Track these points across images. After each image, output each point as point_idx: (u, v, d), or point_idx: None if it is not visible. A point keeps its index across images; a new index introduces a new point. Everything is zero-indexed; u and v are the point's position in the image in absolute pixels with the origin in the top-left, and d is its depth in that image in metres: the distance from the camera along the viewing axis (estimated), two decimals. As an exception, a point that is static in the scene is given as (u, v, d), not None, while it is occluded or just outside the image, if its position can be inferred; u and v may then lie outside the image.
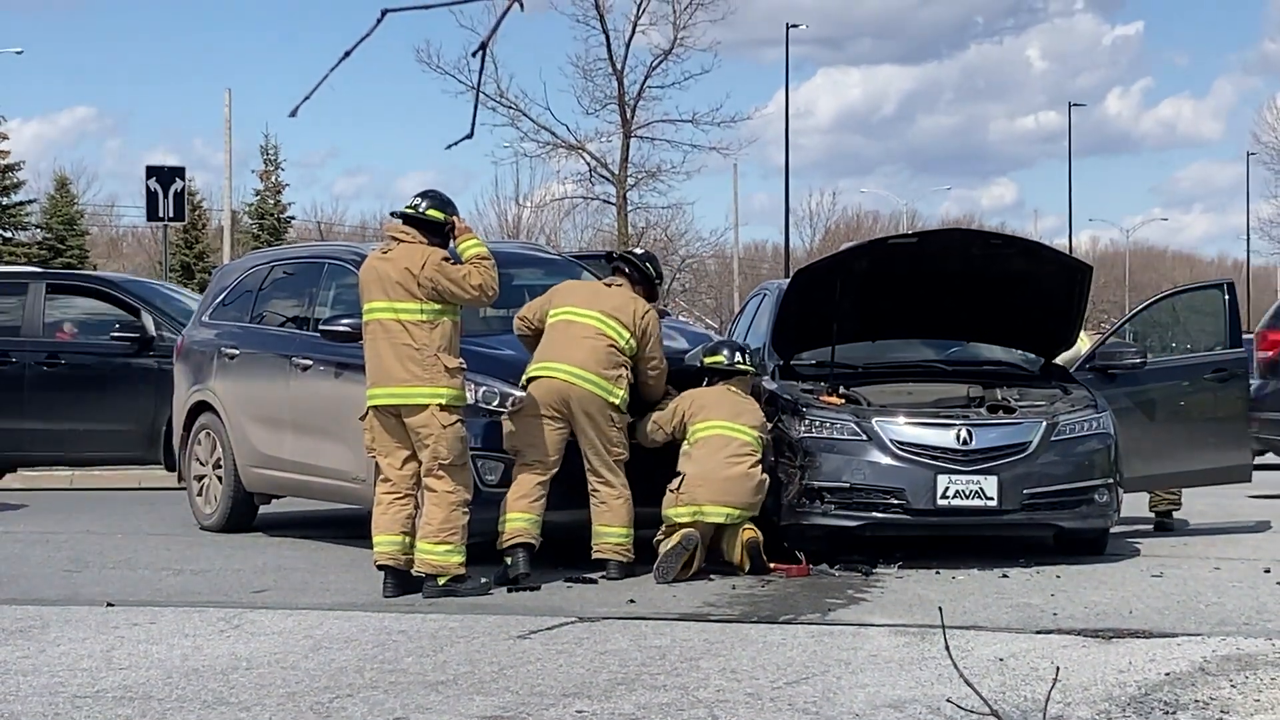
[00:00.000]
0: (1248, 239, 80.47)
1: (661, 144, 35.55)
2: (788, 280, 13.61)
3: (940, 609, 8.77)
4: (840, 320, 11.91)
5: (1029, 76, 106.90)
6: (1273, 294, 75.24)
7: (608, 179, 34.89)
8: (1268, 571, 11.05)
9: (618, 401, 10.54)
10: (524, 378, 10.61)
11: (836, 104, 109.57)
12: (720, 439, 10.69)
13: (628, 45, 35.13)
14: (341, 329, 11.37)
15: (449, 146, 4.98)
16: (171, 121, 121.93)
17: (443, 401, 9.79)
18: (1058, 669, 7.10)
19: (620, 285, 11.01)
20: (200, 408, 14.13)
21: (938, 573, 11.02)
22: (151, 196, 24.97)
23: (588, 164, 36.19)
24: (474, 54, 4.15)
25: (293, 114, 4.13)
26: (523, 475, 10.51)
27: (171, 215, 26.01)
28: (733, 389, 11.04)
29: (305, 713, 6.64)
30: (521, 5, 3.90)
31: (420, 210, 10.11)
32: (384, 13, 3.87)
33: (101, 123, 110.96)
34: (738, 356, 11.23)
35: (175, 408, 14.86)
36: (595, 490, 10.57)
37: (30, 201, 72.12)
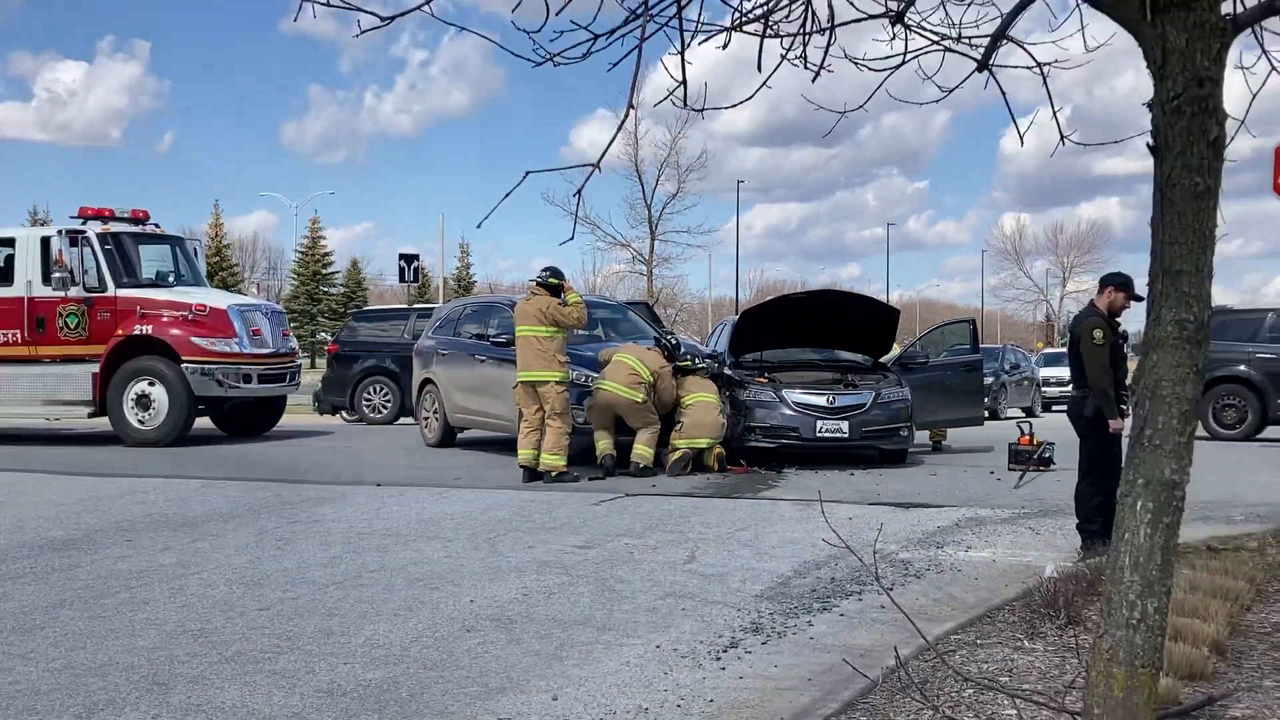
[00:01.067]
0: (982, 297, 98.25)
1: (671, 243, 46.66)
2: (738, 316, 17.59)
3: (819, 492, 11.52)
4: (767, 336, 15.76)
5: (867, 208, 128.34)
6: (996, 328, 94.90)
7: (643, 262, 43.49)
8: (992, 473, 14.08)
9: (639, 401, 13.82)
10: (594, 385, 14.02)
11: (765, 222, 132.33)
12: (702, 404, 14.07)
13: (653, 190, 49.39)
14: (501, 340, 15.11)
15: (561, 244, 7.85)
16: (416, 228, 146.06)
17: (557, 379, 13.00)
18: (881, 524, 10.04)
19: (652, 350, 14.22)
20: (426, 382, 17.82)
21: (816, 472, 14.22)
22: (401, 270, 31.18)
23: (632, 254, 47.06)
24: (573, 196, 4.80)
25: (478, 226, 7.17)
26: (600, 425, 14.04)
27: (412, 280, 31.84)
28: (699, 376, 14.37)
29: (480, 543, 9.67)
30: (599, 169, 4.14)
31: (545, 277, 13.36)
32: (526, 174, 4.25)
33: (377, 229, 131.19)
34: (698, 361, 14.70)
35: (413, 382, 18.66)
36: (638, 432, 14.00)
37: (336, 273, 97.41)
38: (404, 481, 13.40)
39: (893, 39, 4.44)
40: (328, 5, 3.63)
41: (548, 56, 4.11)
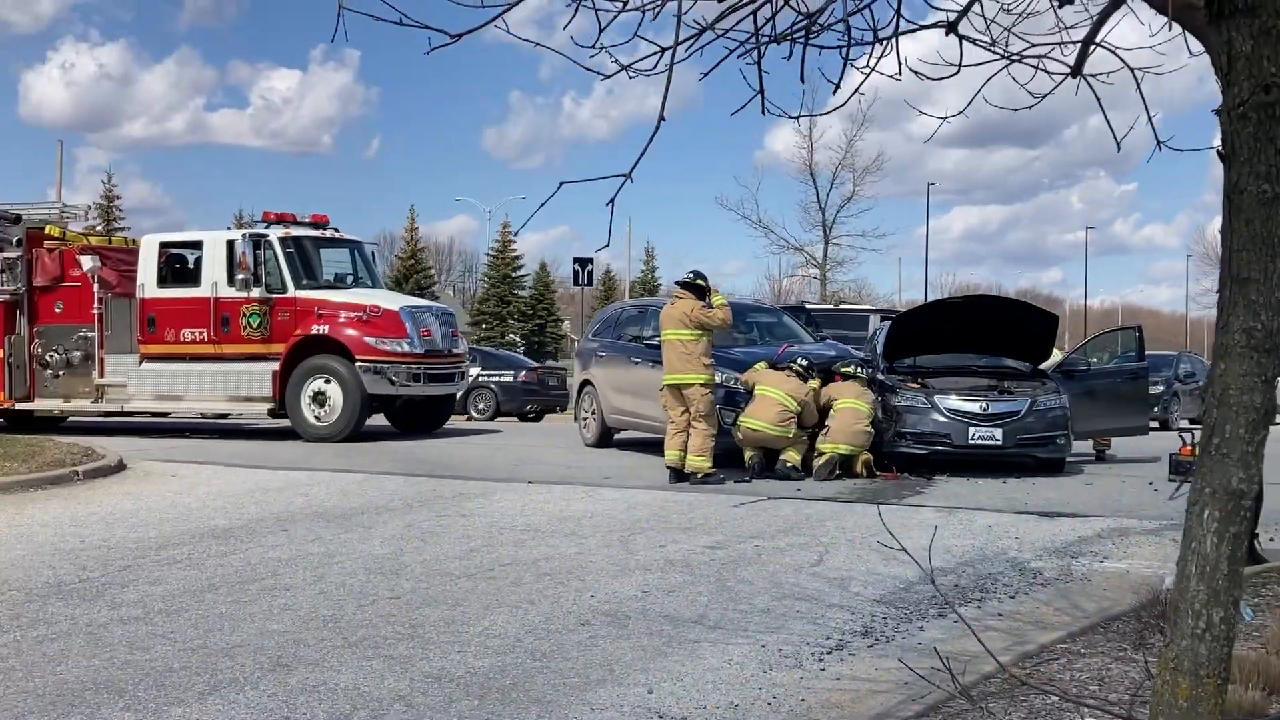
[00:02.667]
0: (1186, 303, 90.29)
1: (845, 246, 48.65)
2: (891, 321, 17.09)
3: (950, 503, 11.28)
4: (922, 342, 15.53)
5: (1071, 211, 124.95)
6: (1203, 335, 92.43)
7: (816, 266, 43.84)
8: (1150, 484, 13.51)
9: (790, 435, 13.91)
10: (741, 423, 14.08)
11: (964, 225, 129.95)
12: (850, 410, 14.04)
13: (828, 193, 48.56)
14: (655, 343, 15.18)
15: (598, 250, 7.86)
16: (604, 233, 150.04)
17: (701, 381, 13.15)
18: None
19: (792, 378, 14.19)
20: (585, 383, 18.25)
21: (968, 480, 14.00)
22: (575, 274, 32.72)
23: (806, 258, 48.99)
24: (606, 205, 5.77)
25: (515, 233, 7.20)
26: None
27: (587, 283, 32.70)
28: (853, 383, 14.36)
29: (613, 541, 9.92)
30: (631, 179, 3.92)
31: (689, 279, 13.62)
32: (561, 184, 4.07)
33: (572, 233, 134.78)
34: (854, 368, 14.60)
35: (574, 383, 19.05)
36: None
37: (525, 276, 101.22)
38: (555, 480, 13.73)
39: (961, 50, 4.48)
40: (400, 24, 3.85)
41: (621, 67, 4.26)
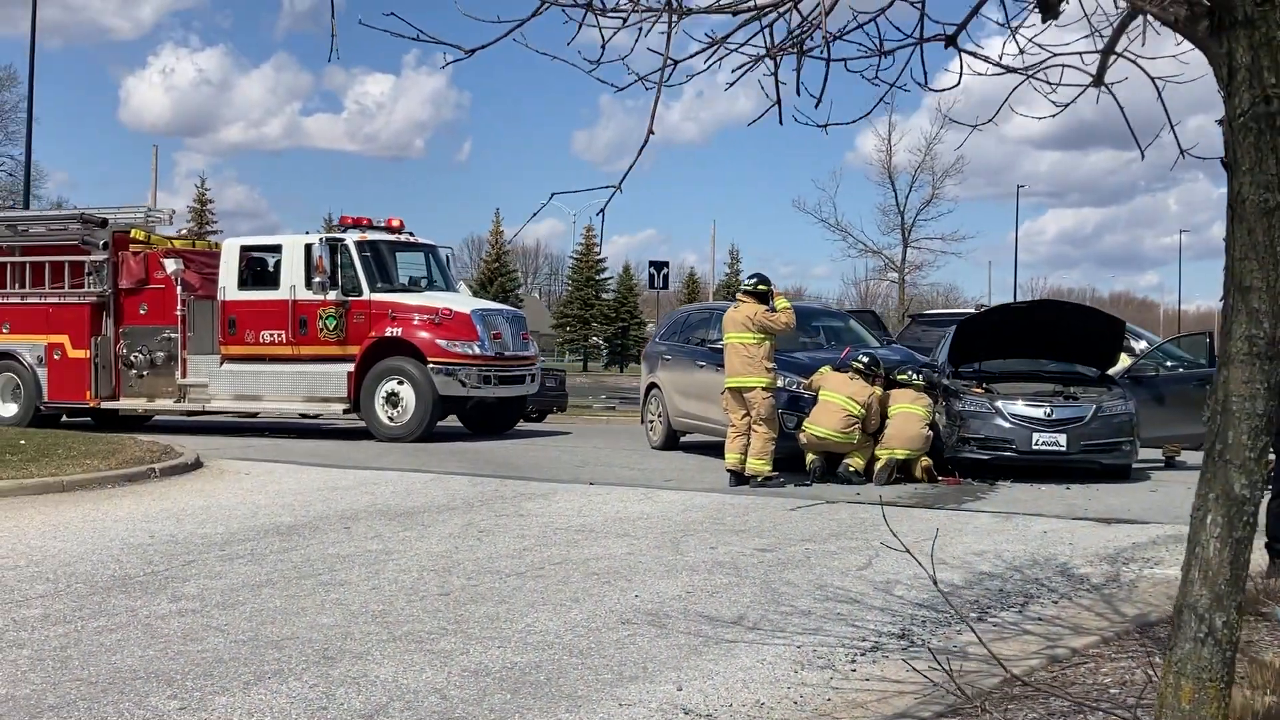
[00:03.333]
0: None
1: (925, 250, 48.82)
2: (955, 325, 16.65)
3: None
4: (988, 347, 15.42)
5: (1168, 214, 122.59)
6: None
7: (894, 269, 45.05)
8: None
9: (855, 441, 13.96)
10: (806, 430, 14.10)
11: (1058, 227, 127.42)
12: (905, 414, 14.06)
13: (907, 196, 47.95)
14: (719, 346, 15.19)
15: (598, 259, 7.89)
16: (698, 234, 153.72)
17: (764, 384, 13.24)
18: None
19: (855, 380, 14.14)
20: (651, 386, 18.41)
21: (1031, 485, 13.89)
22: (650, 277, 33.19)
23: (884, 261, 49.88)
24: (595, 215, 6.04)
25: (508, 242, 7.40)
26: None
27: (662, 286, 35.11)
28: (911, 389, 14.36)
29: (665, 543, 10.02)
30: (621, 190, 3.92)
31: (752, 284, 13.70)
32: (552, 195, 4.14)
33: (659, 237, 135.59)
34: (911, 374, 14.58)
35: (641, 385, 19.09)
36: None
37: (609, 278, 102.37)
38: (616, 481, 13.88)
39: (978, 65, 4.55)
40: (416, 40, 4.01)
41: (638, 77, 4.39)
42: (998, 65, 4.47)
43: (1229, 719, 4.39)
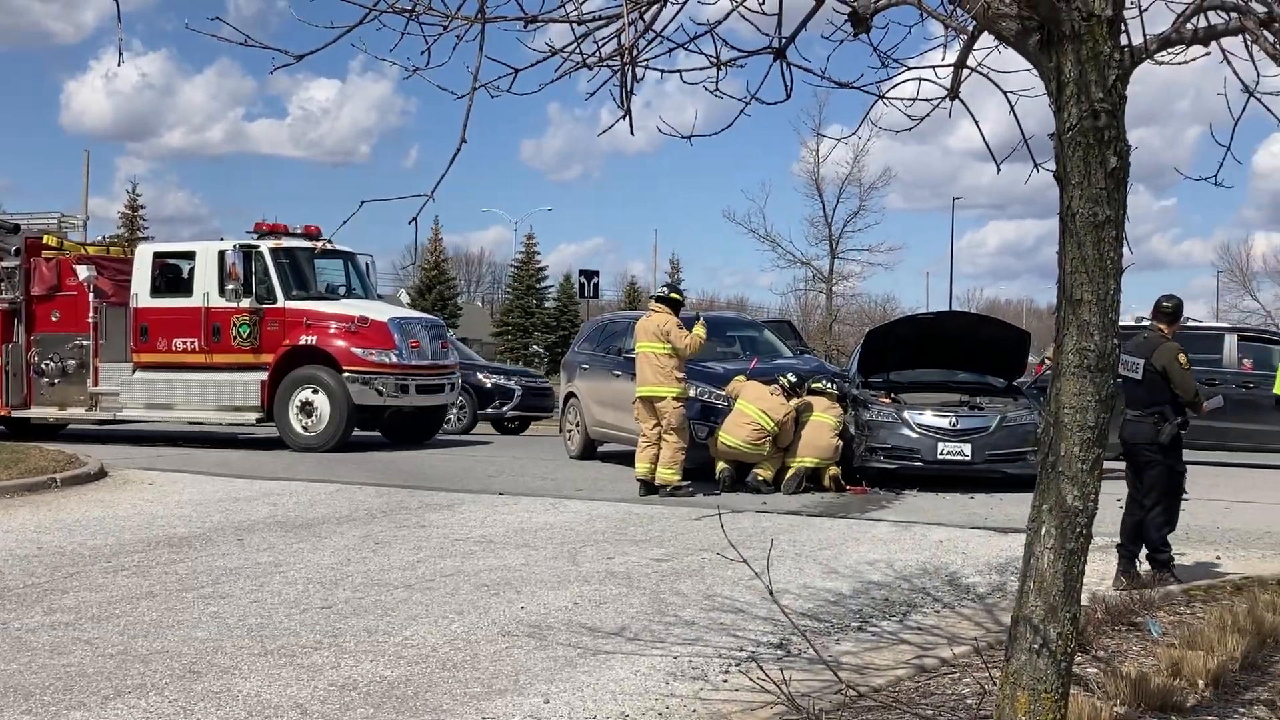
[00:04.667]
0: (1216, 318, 79.79)
1: (852, 260, 49.49)
2: (864, 336, 17.09)
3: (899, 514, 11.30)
4: (898, 357, 15.51)
5: None
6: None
7: (823, 280, 44.96)
8: (1118, 501, 13.22)
9: (764, 453, 14.01)
10: (719, 437, 14.13)
11: (999, 239, 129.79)
12: (816, 424, 14.12)
13: (834, 210, 48.63)
14: (634, 355, 15.07)
15: (403, 269, 7.97)
16: (644, 243, 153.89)
17: (674, 394, 13.30)
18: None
19: (775, 395, 14.19)
20: (570, 395, 18.41)
21: (936, 495, 13.99)
22: (581, 286, 32.75)
23: (812, 272, 50.16)
24: (409, 223, 6.00)
25: (328, 240, 7.11)
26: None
27: (592, 295, 35.71)
28: (824, 397, 14.42)
29: (563, 553, 9.97)
30: (434, 198, 3.90)
31: (664, 293, 13.79)
32: (362, 203, 4.11)
33: (606, 245, 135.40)
34: (826, 383, 14.68)
35: (560, 395, 19.10)
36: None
37: (550, 287, 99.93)
38: (526, 491, 13.83)
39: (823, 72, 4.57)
40: (244, 45, 3.97)
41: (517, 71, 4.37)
42: (826, 80, 4.49)
43: (1066, 729, 4.43)
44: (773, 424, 13.81)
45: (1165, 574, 8.60)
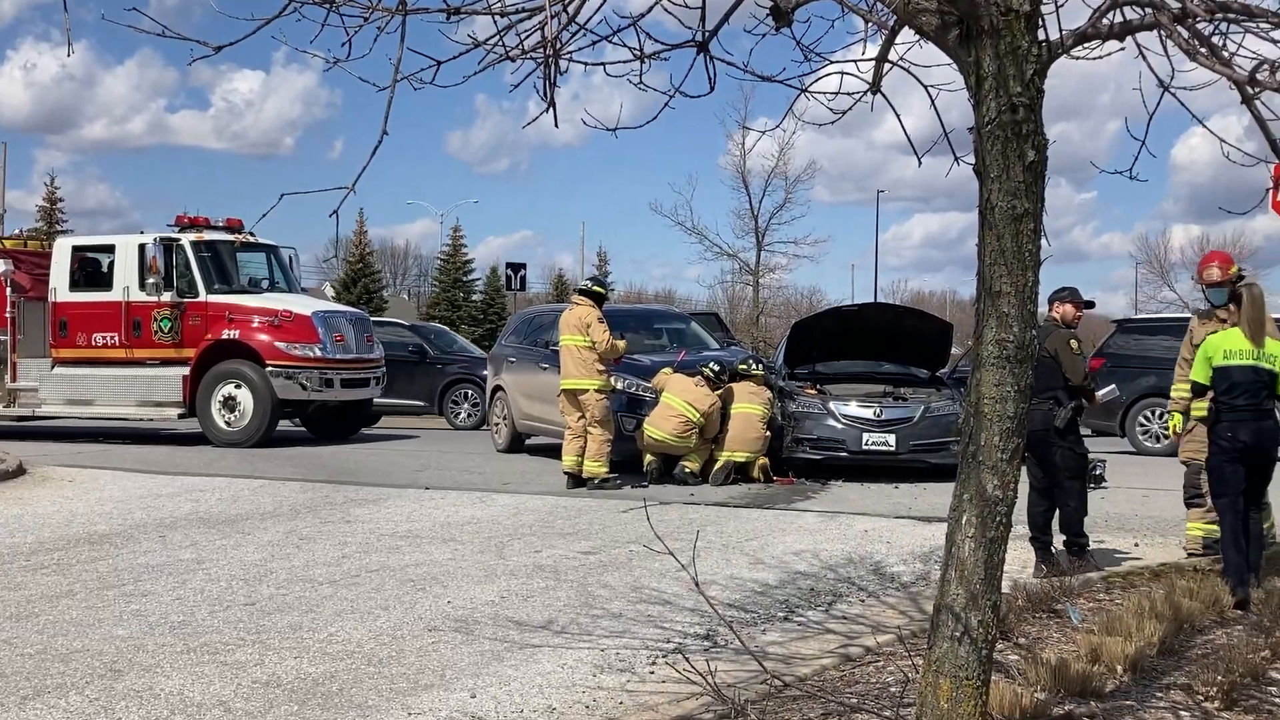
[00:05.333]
0: (1135, 309, 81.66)
1: (778, 253, 49.05)
2: (790, 328, 17.20)
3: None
4: (824, 349, 15.57)
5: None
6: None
7: (750, 272, 48.80)
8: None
9: (690, 446, 14.04)
10: (646, 431, 14.12)
11: (924, 232, 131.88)
12: (743, 415, 14.09)
13: (760, 202, 47.90)
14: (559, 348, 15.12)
15: (326, 259, 7.90)
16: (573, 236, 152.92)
17: (596, 387, 13.36)
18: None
19: (700, 386, 14.18)
20: (497, 388, 18.29)
21: (862, 484, 14.05)
22: (507, 278, 33.15)
23: (739, 265, 50.01)
24: (329, 215, 5.97)
25: (250, 230, 7.18)
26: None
27: (519, 288, 35.85)
28: (750, 383, 14.41)
29: (490, 547, 9.94)
30: (354, 190, 3.91)
31: (587, 286, 13.78)
32: (282, 196, 4.14)
33: (534, 238, 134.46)
34: (751, 365, 14.68)
35: (487, 389, 19.03)
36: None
37: (476, 280, 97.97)
38: (452, 485, 13.75)
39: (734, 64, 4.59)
40: (162, 35, 3.91)
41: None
42: (750, 73, 4.51)
43: (989, 716, 4.49)
44: (698, 415, 13.84)
45: (1083, 560, 8.73)
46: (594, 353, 13.46)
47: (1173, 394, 9.61)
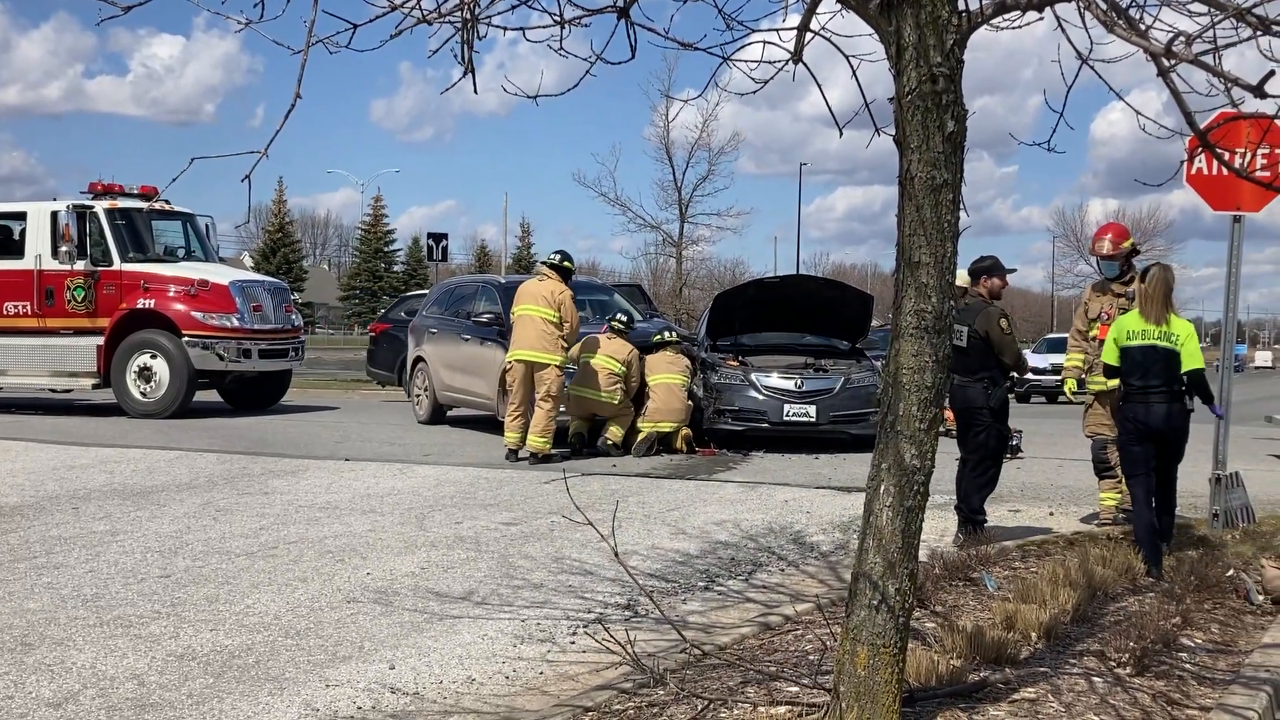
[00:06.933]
0: (1053, 283, 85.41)
1: (702, 225, 48.59)
2: (712, 299, 17.31)
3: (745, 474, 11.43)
4: (745, 320, 15.59)
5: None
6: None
7: (673, 244, 48.28)
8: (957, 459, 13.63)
9: (618, 401, 14.10)
10: (570, 390, 14.07)
11: (847, 204, 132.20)
12: (664, 385, 14.08)
13: (684, 174, 47.37)
14: (484, 319, 15.52)
15: (238, 226, 7.76)
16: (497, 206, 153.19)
17: (558, 363, 13.48)
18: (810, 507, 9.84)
19: (613, 340, 14.29)
20: (418, 360, 18.12)
21: (783, 456, 14.13)
22: (429, 249, 32.46)
23: (662, 236, 49.16)
24: (241, 180, 6.12)
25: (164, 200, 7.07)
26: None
27: (440, 259, 34.59)
28: (669, 353, 14.42)
29: (410, 519, 9.86)
30: (266, 155, 3.85)
31: (555, 260, 13.91)
32: (192, 160, 3.96)
33: (458, 208, 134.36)
34: (667, 334, 14.75)
35: (408, 359, 18.91)
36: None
37: (398, 250, 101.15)
38: (373, 457, 13.65)
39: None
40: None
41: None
42: (671, 40, 4.48)
43: (906, 683, 4.52)
44: (620, 365, 13.89)
45: (980, 536, 8.72)
46: (559, 329, 13.39)
47: (1065, 363, 10.06)
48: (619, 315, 14.60)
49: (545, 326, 13.33)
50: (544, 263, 14.17)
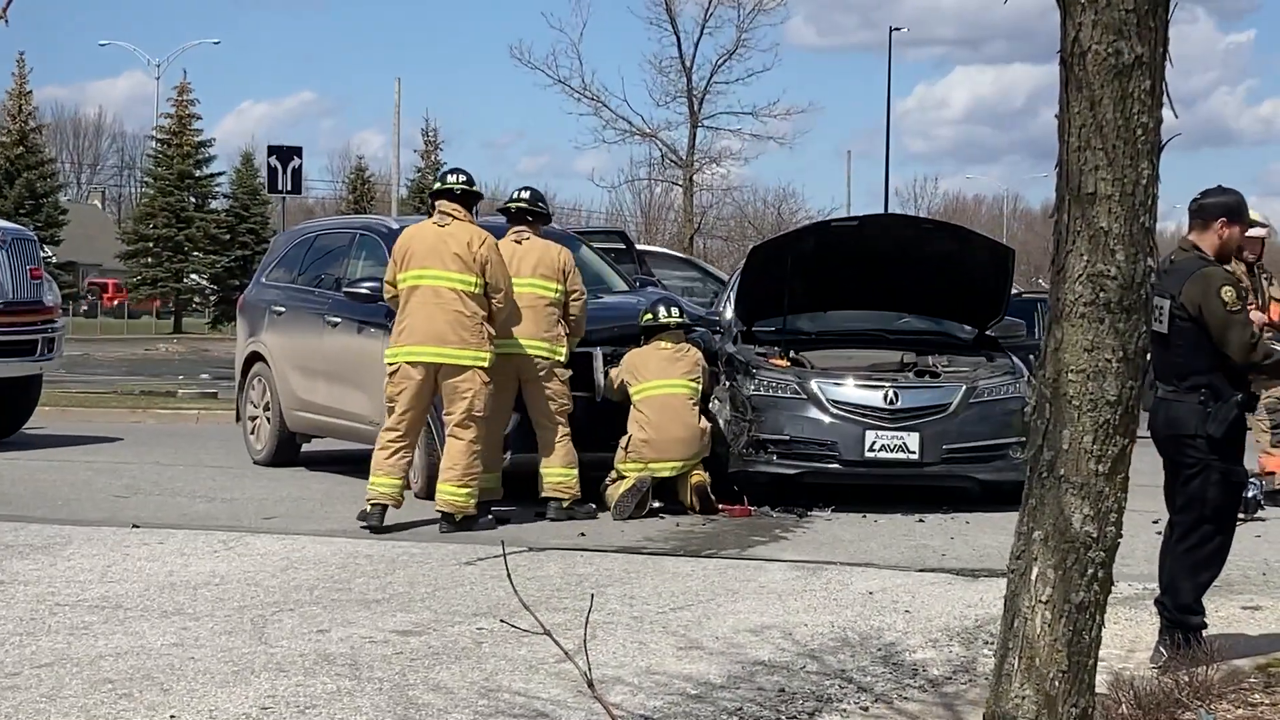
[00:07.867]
0: None
1: (724, 131, 48.34)
2: (745, 256, 17.55)
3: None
4: (792, 292, 15.54)
5: None
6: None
7: (676, 164, 47.71)
8: (1155, 522, 12.59)
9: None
10: None
11: (969, 98, 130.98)
12: (659, 399, 14.16)
13: (696, 45, 47.12)
14: (363, 291, 15.45)
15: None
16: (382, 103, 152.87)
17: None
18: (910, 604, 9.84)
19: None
20: (254, 357, 18.32)
21: (864, 516, 14.31)
22: (271, 172, 31.10)
23: (660, 150, 48.66)
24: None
25: None
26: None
27: (290, 189, 34.34)
28: (663, 344, 14.46)
29: (245, 624, 9.92)
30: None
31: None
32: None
33: (322, 105, 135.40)
34: (662, 311, 14.71)
35: (236, 358, 19.21)
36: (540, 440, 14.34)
37: (216, 176, 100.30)
38: (179, 521, 13.75)
39: None
40: None
41: None
42: None
43: None
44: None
45: (1195, 651, 8.58)
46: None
47: None
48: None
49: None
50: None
